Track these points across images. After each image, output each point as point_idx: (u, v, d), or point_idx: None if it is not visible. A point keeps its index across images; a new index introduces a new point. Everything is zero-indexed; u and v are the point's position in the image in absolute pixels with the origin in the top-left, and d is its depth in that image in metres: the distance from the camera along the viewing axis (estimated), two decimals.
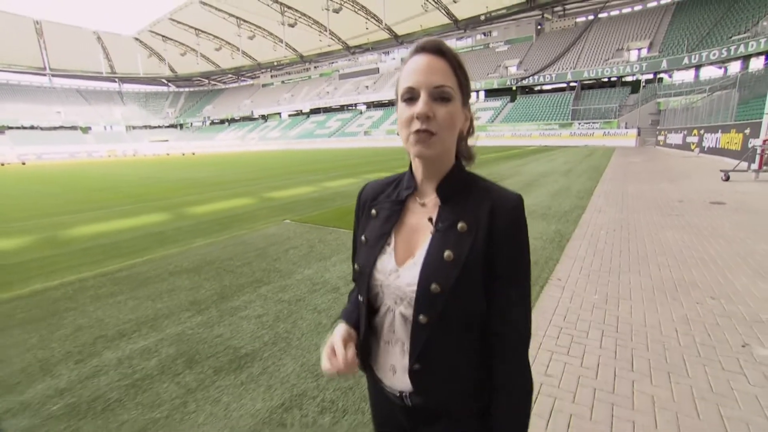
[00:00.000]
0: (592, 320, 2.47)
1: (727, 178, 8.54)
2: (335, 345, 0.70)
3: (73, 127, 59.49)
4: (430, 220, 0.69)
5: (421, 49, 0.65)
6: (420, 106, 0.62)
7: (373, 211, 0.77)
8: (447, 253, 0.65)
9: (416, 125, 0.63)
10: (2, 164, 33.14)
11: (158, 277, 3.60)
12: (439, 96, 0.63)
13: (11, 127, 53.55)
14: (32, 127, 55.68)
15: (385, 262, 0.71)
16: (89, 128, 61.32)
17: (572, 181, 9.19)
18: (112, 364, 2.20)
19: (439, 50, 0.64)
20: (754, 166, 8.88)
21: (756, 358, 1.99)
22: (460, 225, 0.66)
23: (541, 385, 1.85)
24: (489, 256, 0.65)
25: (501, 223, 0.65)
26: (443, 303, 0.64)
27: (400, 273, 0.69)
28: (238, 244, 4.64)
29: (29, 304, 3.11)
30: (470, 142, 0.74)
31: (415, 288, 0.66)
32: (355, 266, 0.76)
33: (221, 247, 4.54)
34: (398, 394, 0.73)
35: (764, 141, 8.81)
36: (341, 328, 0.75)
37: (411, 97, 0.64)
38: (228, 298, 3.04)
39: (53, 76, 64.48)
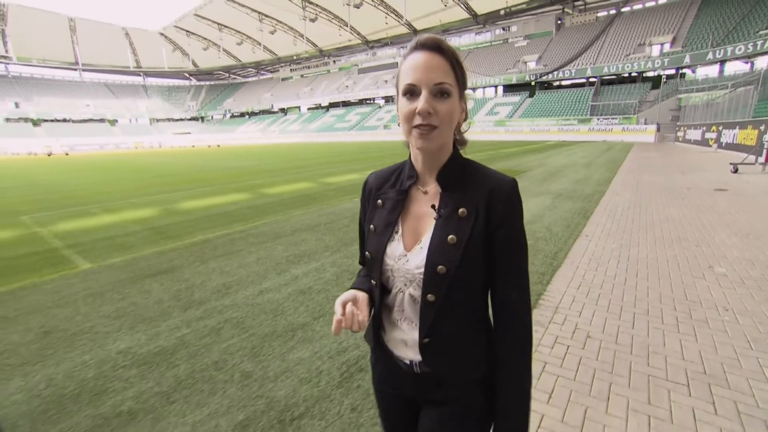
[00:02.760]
0: (611, 256, 3.67)
1: (736, 171, 9.41)
2: (353, 300, 0.76)
3: (102, 120, 62.18)
4: (433, 207, 0.75)
5: (421, 46, 0.69)
6: (422, 103, 0.67)
7: (379, 201, 0.82)
8: (450, 237, 0.71)
9: (418, 120, 0.68)
10: (49, 154, 35.52)
11: (285, 233, 4.91)
12: (439, 92, 0.68)
13: (46, 120, 56.41)
14: (64, 120, 58.49)
15: (395, 249, 0.77)
16: (116, 121, 64.03)
17: (592, 172, 10.20)
18: (301, 274, 3.49)
19: (438, 47, 0.68)
20: (761, 159, 9.73)
21: (715, 273, 3.17)
22: (460, 210, 0.72)
23: (579, 286, 3.05)
24: (489, 237, 0.71)
25: (498, 206, 0.71)
26: (448, 283, 0.71)
27: (408, 258, 0.75)
28: (329, 214, 5.93)
29: (208, 246, 4.45)
30: (463, 127, 0.78)
31: (423, 270, 0.72)
32: (367, 253, 0.81)
33: (316, 216, 5.84)
34: (408, 363, 0.79)
35: None
36: (353, 291, 0.79)
37: (412, 92, 0.68)
38: (349, 245, 4.31)
39: (83, 70, 67.24)
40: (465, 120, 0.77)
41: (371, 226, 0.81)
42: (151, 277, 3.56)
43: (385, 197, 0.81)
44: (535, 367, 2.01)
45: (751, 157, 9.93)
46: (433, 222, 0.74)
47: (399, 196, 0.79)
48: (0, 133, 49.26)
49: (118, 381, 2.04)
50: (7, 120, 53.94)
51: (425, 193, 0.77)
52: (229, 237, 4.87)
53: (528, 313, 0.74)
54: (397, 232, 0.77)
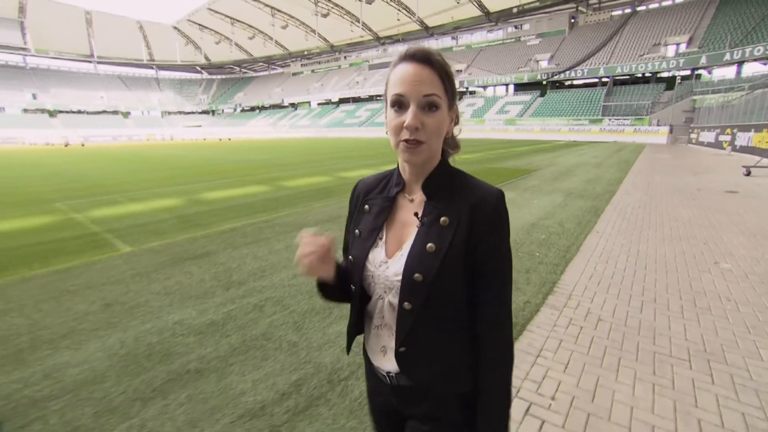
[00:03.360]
0: (620, 251, 3.86)
1: (749, 173, 9.45)
2: (314, 236, 0.75)
3: (115, 112, 63.18)
4: (416, 214, 0.75)
5: (410, 57, 0.68)
6: (409, 117, 0.66)
7: (366, 207, 0.82)
8: (429, 245, 0.70)
9: (405, 135, 0.68)
10: (66, 145, 36.34)
11: (309, 224, 5.17)
12: (427, 105, 0.67)
13: (62, 111, 57.52)
14: (79, 112, 59.58)
15: (377, 255, 0.77)
16: (129, 113, 65.03)
17: (603, 172, 10.31)
18: None
19: (427, 59, 0.68)
20: None
21: (720, 268, 3.35)
22: (442, 219, 0.71)
23: (591, 276, 3.26)
24: (470, 248, 0.70)
25: (481, 216, 0.70)
26: (426, 291, 0.70)
27: (389, 264, 0.75)
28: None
29: (237, 234, 4.73)
30: (455, 131, 0.78)
31: (400, 278, 0.72)
32: (350, 257, 0.81)
33: (336, 208, 6.10)
34: (385, 374, 0.79)
35: None
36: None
37: (400, 104, 0.68)
38: None
39: (98, 63, 68.28)
40: (456, 124, 0.77)
41: (356, 231, 0.82)
42: (189, 260, 3.85)
43: (372, 203, 0.82)
44: (552, 343, 2.25)
45: (765, 160, 9.95)
46: (416, 230, 0.74)
47: (385, 203, 0.79)
48: (18, 124, 50.44)
49: (180, 346, 2.32)
50: (25, 111, 55.12)
51: (411, 201, 0.77)
52: (255, 226, 5.15)
53: (508, 328, 0.74)
54: (381, 239, 0.78)
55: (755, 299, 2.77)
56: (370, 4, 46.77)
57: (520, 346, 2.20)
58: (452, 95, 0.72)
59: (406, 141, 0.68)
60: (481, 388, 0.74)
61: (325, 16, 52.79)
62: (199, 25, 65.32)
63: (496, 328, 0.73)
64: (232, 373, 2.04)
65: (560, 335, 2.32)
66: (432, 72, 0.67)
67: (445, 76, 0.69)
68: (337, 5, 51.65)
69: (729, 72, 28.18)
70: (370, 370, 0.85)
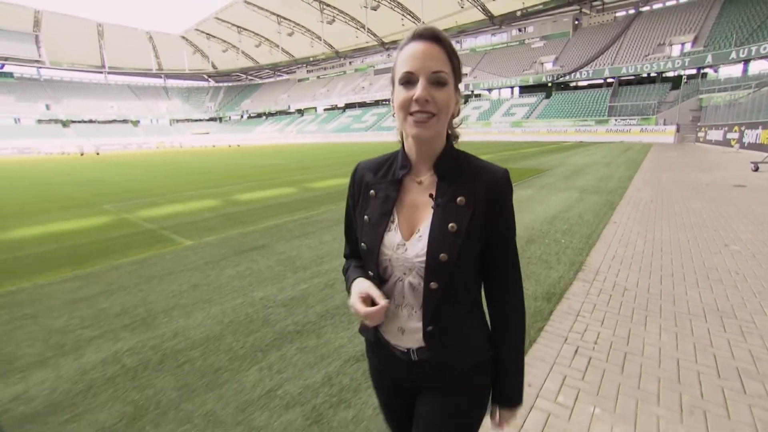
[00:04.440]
0: (638, 237, 4.28)
1: (756, 169, 9.76)
2: (373, 294, 0.76)
3: (125, 121, 64.54)
4: (431, 196, 0.76)
5: (419, 36, 0.70)
6: (419, 90, 0.68)
7: (372, 192, 0.82)
8: (451, 225, 0.72)
9: (415, 107, 0.69)
10: (82, 154, 37.34)
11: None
12: (436, 81, 0.69)
13: (74, 121, 58.92)
14: (90, 121, 60.98)
15: (392, 238, 0.77)
16: (138, 121, 66.40)
17: (613, 170, 10.68)
18: None
19: (435, 37, 0.70)
20: None
21: (730, 249, 3.76)
22: (459, 199, 0.73)
23: (614, 257, 3.67)
24: (486, 225, 0.74)
25: (495, 194, 0.74)
26: (451, 270, 0.73)
27: (407, 247, 0.76)
28: None
29: (282, 229, 5.20)
30: (455, 122, 0.80)
31: (423, 259, 0.73)
32: (362, 244, 0.81)
33: None
34: (405, 351, 0.80)
35: None
36: (365, 282, 0.79)
37: (409, 81, 0.69)
38: None
39: (108, 73, 69.88)
40: (458, 114, 0.78)
41: (365, 216, 0.81)
42: (249, 251, 4.32)
43: (377, 187, 0.82)
44: (587, 306, 2.67)
45: None
46: (431, 211, 0.75)
47: (392, 186, 0.80)
48: (33, 134, 51.80)
49: (272, 315, 2.77)
50: (39, 121, 56.56)
51: (420, 183, 0.78)
52: (297, 222, 5.62)
53: (521, 294, 0.81)
54: (393, 222, 0.78)
55: (761, 273, 3.17)
56: (375, 10, 47.57)
57: (560, 308, 2.63)
58: (458, 74, 0.74)
59: (415, 114, 0.70)
60: (499, 354, 0.81)
61: (330, 23, 53.71)
62: (207, 34, 66.68)
63: (511, 301, 0.80)
64: (327, 333, 2.49)
65: (594, 301, 2.74)
66: (441, 49, 0.70)
67: (453, 54, 0.72)
68: (342, 12, 52.56)
69: (735, 70, 28.18)
70: (382, 351, 0.86)
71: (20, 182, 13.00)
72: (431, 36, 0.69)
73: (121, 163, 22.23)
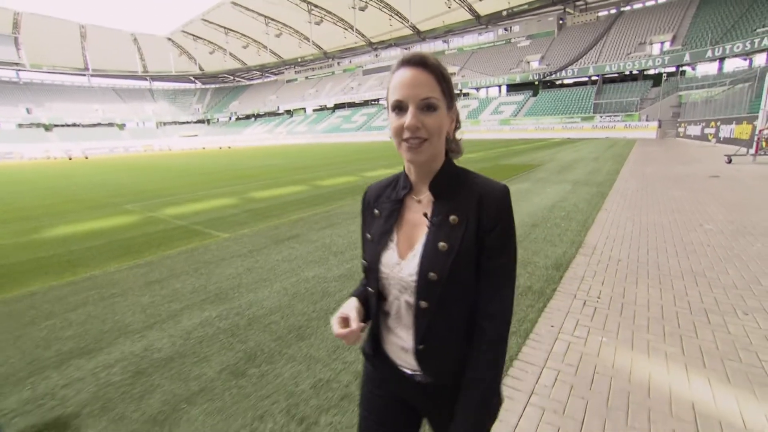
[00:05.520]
0: (627, 221, 4.92)
1: (730, 161, 10.62)
2: (349, 316, 0.81)
3: (110, 124, 63.56)
4: (425, 215, 0.78)
5: (407, 63, 0.72)
6: (409, 118, 0.70)
7: (376, 211, 0.86)
8: (441, 244, 0.73)
9: (407, 134, 0.71)
10: (70, 158, 36.85)
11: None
12: (426, 106, 0.71)
13: (57, 125, 57.76)
14: (74, 125, 59.87)
15: (389, 257, 0.80)
16: (124, 125, 65.44)
17: (601, 164, 11.43)
18: None
19: (423, 63, 0.71)
20: (752, 151, 10.96)
21: (704, 228, 4.42)
22: (452, 218, 0.74)
23: (607, 237, 4.28)
24: (479, 243, 0.73)
25: (489, 212, 0.73)
26: (441, 289, 0.73)
27: (402, 265, 0.78)
28: None
29: (309, 221, 5.69)
30: (457, 135, 0.81)
31: (416, 278, 0.75)
32: (363, 261, 0.85)
33: None
34: (411, 373, 0.82)
35: (760, 131, 10.87)
36: (354, 302, 0.86)
37: (400, 108, 0.72)
38: None
39: (92, 76, 68.61)
40: (457, 129, 0.80)
41: (368, 235, 0.85)
42: (286, 240, 4.81)
43: (381, 207, 0.85)
44: (589, 272, 3.26)
45: (743, 149, 11.16)
46: (426, 230, 0.77)
47: (394, 206, 0.82)
48: (14, 139, 50.64)
49: (329, 288, 3.28)
50: (20, 126, 55.29)
51: (419, 201, 0.80)
52: (321, 215, 6.11)
53: (506, 324, 0.75)
54: (392, 241, 0.81)
55: (727, 244, 3.82)
56: (363, 11, 47.99)
57: (568, 275, 3.21)
58: (450, 96, 0.75)
59: (407, 140, 0.72)
60: (467, 377, 0.75)
61: (318, 23, 53.90)
62: (193, 35, 66.03)
63: (494, 323, 0.75)
64: None
65: (594, 268, 3.33)
66: (429, 75, 0.71)
67: (441, 78, 0.72)
68: (330, 12, 52.79)
69: (712, 68, 29.38)
70: (384, 367, 0.87)
71: (24, 186, 13.12)
72: (419, 62, 0.72)
73: (117, 166, 22.23)
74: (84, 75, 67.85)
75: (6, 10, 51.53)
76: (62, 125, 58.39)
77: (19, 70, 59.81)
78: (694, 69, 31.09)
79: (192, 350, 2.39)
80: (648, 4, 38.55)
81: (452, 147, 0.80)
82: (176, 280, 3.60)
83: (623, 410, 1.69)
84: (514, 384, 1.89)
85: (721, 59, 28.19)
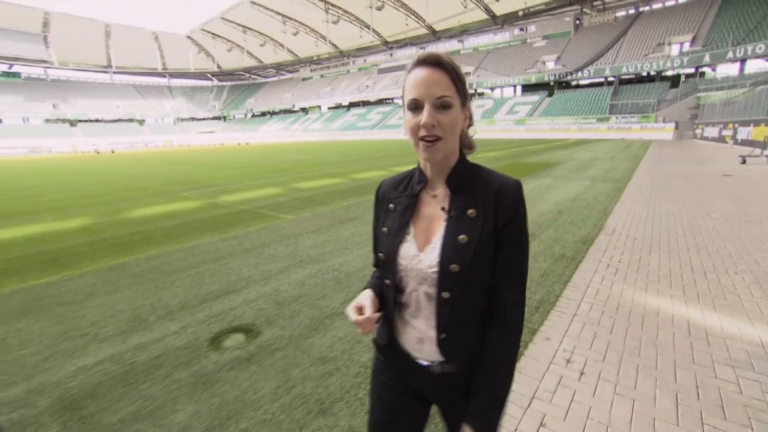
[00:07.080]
0: (642, 209, 5.62)
1: (744, 161, 11.07)
2: (364, 305, 0.83)
3: (130, 120, 65.54)
4: (443, 209, 0.81)
5: (422, 63, 0.75)
6: (425, 116, 0.73)
7: (391, 206, 0.88)
8: (461, 237, 0.76)
9: (423, 132, 0.74)
10: (98, 152, 38.51)
11: None
12: (441, 105, 0.74)
13: (81, 120, 59.92)
14: (97, 120, 61.97)
15: (407, 249, 0.82)
16: (144, 120, 67.44)
17: (617, 163, 12.00)
18: None
19: (438, 63, 0.74)
20: (766, 152, 11.39)
21: (711, 217, 5.10)
22: (469, 211, 0.77)
23: (625, 222, 4.98)
24: (496, 235, 0.77)
25: (505, 205, 0.77)
26: (462, 280, 0.77)
27: (421, 258, 0.80)
28: None
29: (359, 208, 6.47)
30: (470, 133, 0.84)
31: (436, 269, 0.78)
32: (380, 254, 0.88)
33: None
34: (427, 365, 0.84)
35: None
36: (369, 293, 0.88)
37: (416, 107, 0.75)
38: None
39: (114, 73, 70.79)
40: (470, 126, 0.84)
41: (384, 228, 0.88)
42: (347, 221, 5.61)
43: (396, 201, 0.88)
44: (611, 245, 3.98)
45: (757, 150, 11.59)
46: (444, 223, 0.80)
47: (410, 200, 0.86)
48: (41, 133, 52.79)
49: None
50: (47, 121, 57.52)
51: (434, 196, 0.84)
52: (368, 203, 6.89)
53: (520, 314, 0.80)
54: (408, 234, 0.84)
55: (729, 228, 4.51)
56: (380, 10, 48.68)
57: (593, 248, 3.95)
58: (464, 95, 0.78)
59: (423, 139, 0.76)
60: (478, 373, 0.79)
61: (335, 23, 54.81)
62: (212, 33, 67.58)
63: (509, 314, 0.79)
64: None
65: (615, 244, 4.06)
66: (443, 74, 0.75)
67: (455, 77, 0.76)
68: (347, 12, 53.58)
69: (733, 69, 28.91)
70: (398, 359, 0.90)
71: (79, 178, 14.24)
72: (434, 62, 0.75)
73: (147, 160, 23.38)
74: (107, 72, 70.05)
75: (36, 10, 53.66)
76: (86, 120, 60.50)
77: (47, 67, 62.16)
78: (714, 70, 30.78)
79: (312, 292, 3.21)
80: (668, 4, 38.20)
81: (466, 143, 0.85)
82: (269, 248, 4.43)
83: (639, 324, 2.44)
84: (561, 309, 2.66)
85: (743, 60, 27.83)
